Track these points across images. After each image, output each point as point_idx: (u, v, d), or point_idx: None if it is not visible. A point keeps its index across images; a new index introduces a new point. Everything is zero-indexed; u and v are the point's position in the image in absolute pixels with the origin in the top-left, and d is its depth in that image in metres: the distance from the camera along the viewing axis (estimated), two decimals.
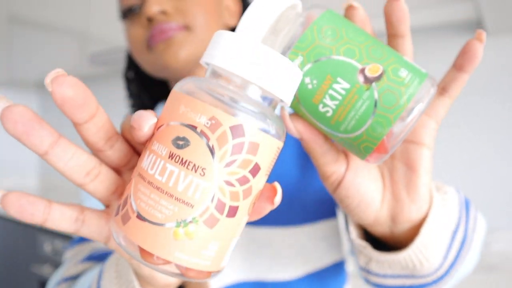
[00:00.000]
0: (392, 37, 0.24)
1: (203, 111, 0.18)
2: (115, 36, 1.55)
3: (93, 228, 0.22)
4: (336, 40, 0.21)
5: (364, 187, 0.26)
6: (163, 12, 0.41)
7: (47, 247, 1.35)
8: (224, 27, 0.46)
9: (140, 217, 0.18)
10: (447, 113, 1.14)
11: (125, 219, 0.19)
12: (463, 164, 1.13)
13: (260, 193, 0.20)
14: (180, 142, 0.18)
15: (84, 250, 0.45)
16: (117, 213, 0.20)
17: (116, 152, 0.21)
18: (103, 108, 1.93)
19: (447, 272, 0.31)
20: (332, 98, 0.21)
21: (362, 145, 0.22)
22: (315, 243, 0.42)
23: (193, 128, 0.18)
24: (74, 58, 1.75)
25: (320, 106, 0.22)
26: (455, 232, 0.30)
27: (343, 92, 0.21)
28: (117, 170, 0.23)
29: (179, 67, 0.42)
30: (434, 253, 0.28)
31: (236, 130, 0.17)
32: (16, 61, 2.03)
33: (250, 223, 0.42)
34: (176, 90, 0.19)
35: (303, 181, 0.44)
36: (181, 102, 0.18)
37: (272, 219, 0.42)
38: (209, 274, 0.19)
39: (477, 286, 0.83)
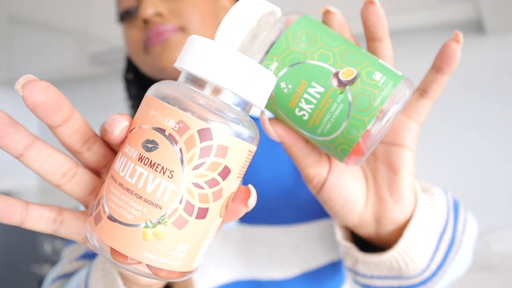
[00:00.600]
0: (370, 40, 0.24)
1: (172, 115, 0.18)
2: (115, 36, 1.55)
3: (71, 228, 0.22)
4: (311, 45, 0.22)
5: (347, 189, 0.27)
6: (159, 14, 0.42)
7: (47, 247, 1.35)
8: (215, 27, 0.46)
9: (110, 218, 0.19)
10: (448, 112, 1.14)
11: (97, 219, 0.19)
12: (463, 164, 1.13)
13: (234, 195, 0.21)
14: (149, 145, 0.18)
15: (80, 248, 0.45)
16: (90, 214, 0.20)
17: (94, 154, 0.21)
18: (103, 108, 1.93)
19: (434, 273, 0.30)
20: (308, 102, 0.22)
21: (339, 148, 0.22)
22: (311, 243, 0.42)
23: (161, 131, 0.18)
24: (74, 58, 1.75)
25: (297, 110, 0.22)
26: (442, 234, 0.30)
27: (317, 96, 0.21)
28: (96, 171, 0.23)
29: (171, 64, 0.42)
30: (419, 254, 0.28)
31: (204, 134, 0.18)
32: (16, 61, 2.03)
33: (246, 222, 0.42)
34: (148, 94, 0.19)
35: (299, 181, 0.44)
36: (151, 105, 0.19)
37: (268, 218, 0.42)
38: (181, 274, 0.20)
39: (476, 286, 0.84)
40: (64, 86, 2.32)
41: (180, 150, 0.18)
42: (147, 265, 0.19)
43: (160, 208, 0.18)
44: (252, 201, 0.21)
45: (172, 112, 0.18)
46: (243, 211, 0.21)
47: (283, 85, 0.22)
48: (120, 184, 0.19)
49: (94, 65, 1.63)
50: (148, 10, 0.41)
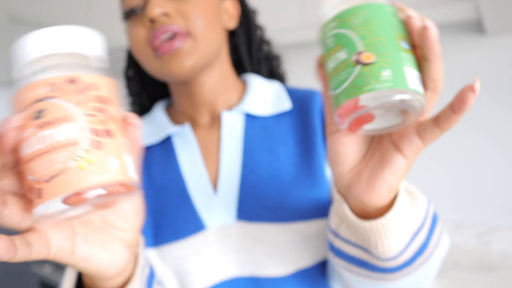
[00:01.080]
0: (421, 58, 0.27)
1: (42, 84, 0.23)
2: (115, 36, 1.56)
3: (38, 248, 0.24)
4: (362, 25, 0.27)
5: (342, 149, 0.30)
6: (165, 14, 0.42)
7: None
8: (223, 29, 0.47)
9: (48, 180, 0.22)
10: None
11: (40, 193, 0.23)
12: (463, 163, 1.13)
13: (123, 121, 0.26)
14: (39, 114, 0.23)
15: None
16: (31, 202, 0.23)
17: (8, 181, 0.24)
18: None
19: (398, 268, 0.32)
20: (333, 60, 0.28)
21: (335, 102, 0.28)
22: (308, 241, 0.43)
23: (42, 99, 0.23)
24: None
25: (328, 61, 0.28)
26: (415, 234, 0.32)
27: (339, 59, 0.27)
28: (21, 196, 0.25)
29: (184, 74, 0.43)
30: (391, 242, 0.31)
31: (75, 80, 0.24)
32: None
33: (245, 219, 0.43)
34: (14, 93, 0.25)
35: (298, 180, 0.44)
36: (22, 94, 0.24)
37: (267, 215, 0.43)
38: (128, 187, 0.24)
39: (476, 285, 0.84)
40: None
41: (65, 99, 0.23)
42: (99, 188, 0.23)
43: (77, 144, 0.23)
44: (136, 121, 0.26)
45: (40, 83, 0.23)
46: (137, 131, 0.26)
47: (330, 40, 0.28)
48: (37, 156, 0.22)
49: None
50: (156, 10, 0.41)
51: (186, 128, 0.46)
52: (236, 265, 0.42)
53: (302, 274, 0.43)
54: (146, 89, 0.55)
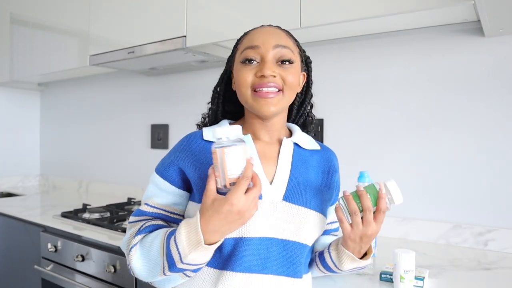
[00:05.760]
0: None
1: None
2: (115, 37, 1.56)
3: None
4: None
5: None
6: (272, 76, 0.66)
7: (51, 247, 1.36)
8: (295, 93, 0.72)
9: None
10: (447, 112, 1.15)
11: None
12: (461, 163, 1.14)
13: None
14: None
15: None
16: None
17: None
18: (103, 107, 1.92)
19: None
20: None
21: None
22: (313, 225, 0.68)
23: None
24: (74, 58, 1.75)
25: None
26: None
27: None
28: None
29: (269, 115, 0.67)
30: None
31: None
32: (18, 62, 2.03)
33: (288, 201, 0.66)
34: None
35: (317, 190, 0.71)
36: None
37: (302, 202, 0.67)
38: None
39: (474, 284, 0.84)
40: (65, 86, 2.32)
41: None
42: None
43: None
44: None
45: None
46: None
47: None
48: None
49: (94, 65, 1.64)
50: (268, 72, 0.65)
51: (249, 137, 0.70)
52: (276, 229, 0.64)
53: (310, 247, 0.70)
54: (223, 106, 0.77)
